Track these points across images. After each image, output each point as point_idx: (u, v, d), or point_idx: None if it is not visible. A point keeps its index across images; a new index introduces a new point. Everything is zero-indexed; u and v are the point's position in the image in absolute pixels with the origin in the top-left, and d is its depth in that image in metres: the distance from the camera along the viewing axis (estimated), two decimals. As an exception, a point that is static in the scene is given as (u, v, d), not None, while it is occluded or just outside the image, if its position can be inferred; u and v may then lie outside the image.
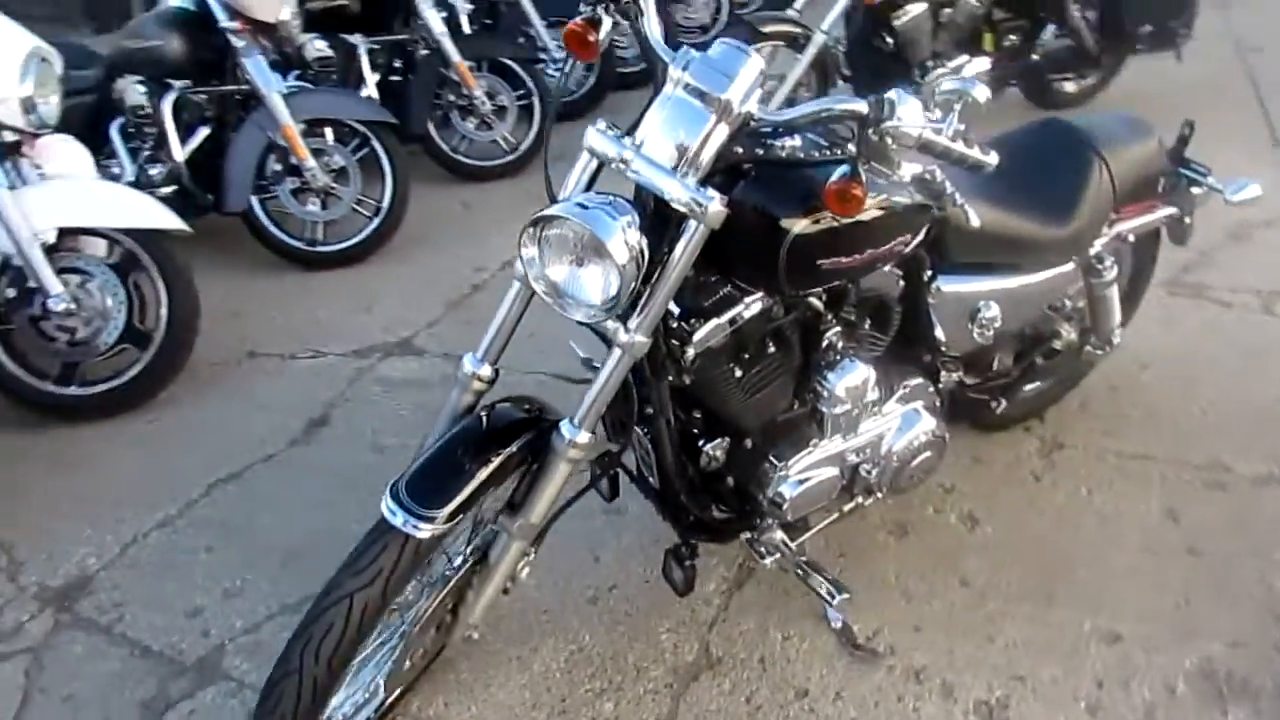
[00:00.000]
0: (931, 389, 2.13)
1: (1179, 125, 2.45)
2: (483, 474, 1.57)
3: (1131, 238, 2.35)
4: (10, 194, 2.82)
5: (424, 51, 4.68)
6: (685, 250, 1.53)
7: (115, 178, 3.99)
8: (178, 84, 3.94)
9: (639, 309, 1.57)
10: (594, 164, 1.61)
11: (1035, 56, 4.83)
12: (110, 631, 2.23)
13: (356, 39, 4.62)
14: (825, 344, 1.86)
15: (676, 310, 1.73)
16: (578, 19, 1.65)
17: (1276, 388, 2.83)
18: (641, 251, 1.49)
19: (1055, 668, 2.00)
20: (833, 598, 1.98)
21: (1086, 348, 2.48)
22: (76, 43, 4.30)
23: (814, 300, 1.83)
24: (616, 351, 1.60)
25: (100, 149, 4.03)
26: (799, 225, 1.58)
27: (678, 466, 1.87)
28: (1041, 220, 2.08)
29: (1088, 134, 2.20)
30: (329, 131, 4.04)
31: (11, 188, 2.88)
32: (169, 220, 3.03)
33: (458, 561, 1.78)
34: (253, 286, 3.84)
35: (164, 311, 3.05)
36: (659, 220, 1.54)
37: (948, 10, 4.47)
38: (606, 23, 1.67)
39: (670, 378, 1.77)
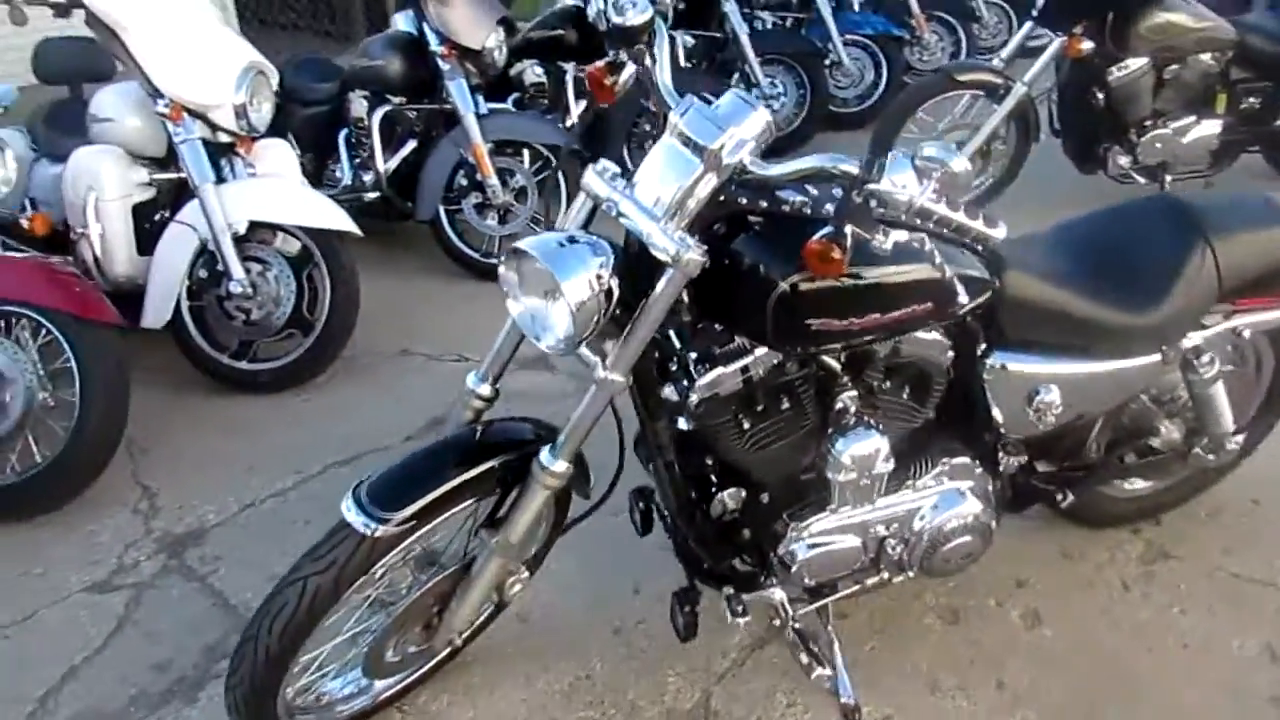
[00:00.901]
0: (981, 470, 2.00)
1: None
2: (448, 485, 1.66)
3: (1248, 334, 2.09)
4: (215, 188, 3.22)
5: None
6: (661, 295, 1.55)
7: (337, 181, 4.47)
8: (395, 100, 4.34)
9: (617, 347, 1.60)
10: (590, 203, 1.66)
11: (1280, 123, 4.35)
12: (203, 581, 2.50)
13: (569, 67, 4.88)
14: (839, 407, 1.80)
15: (693, 355, 1.74)
16: (599, 63, 1.71)
17: None
18: (610, 292, 1.52)
19: (1068, 794, 1.83)
20: (810, 672, 1.90)
21: (1195, 451, 2.23)
22: (323, 58, 4.82)
23: (830, 360, 1.78)
24: (593, 387, 1.64)
25: (331, 154, 4.53)
26: (786, 282, 1.56)
27: (683, 510, 1.87)
28: (1120, 304, 1.91)
29: (1197, 215, 1.98)
30: (526, 153, 4.28)
31: (220, 182, 3.30)
32: (342, 222, 3.34)
33: (448, 566, 1.87)
34: (426, 290, 4.14)
35: (326, 304, 3.37)
36: (646, 264, 1.57)
37: (1174, 66, 4.11)
38: (629, 68, 1.71)
39: (675, 420, 1.80)
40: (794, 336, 1.63)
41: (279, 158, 3.67)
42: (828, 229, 1.45)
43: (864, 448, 1.78)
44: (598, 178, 1.61)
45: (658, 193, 1.55)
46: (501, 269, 1.58)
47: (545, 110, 4.87)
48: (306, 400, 3.38)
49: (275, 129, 4.39)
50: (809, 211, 1.56)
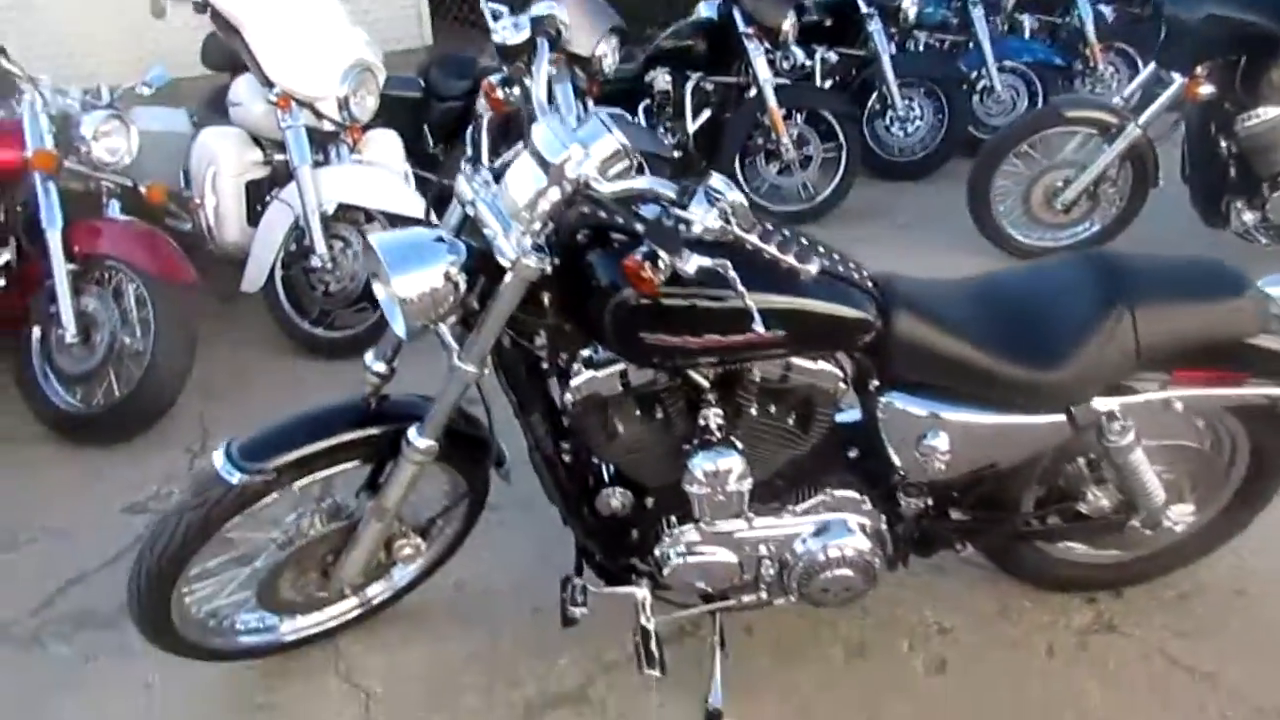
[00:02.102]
0: (872, 506, 2.00)
1: None
2: (319, 446, 1.86)
3: (1180, 406, 1.94)
4: (312, 171, 3.58)
5: (747, 95, 4.94)
6: (503, 296, 1.67)
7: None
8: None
9: (470, 339, 1.74)
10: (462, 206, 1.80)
11: None
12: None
13: (694, 76, 5.02)
14: (702, 423, 1.85)
15: (581, 356, 1.84)
16: (492, 78, 1.85)
17: None
18: (456, 287, 1.66)
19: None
20: (641, 670, 1.95)
21: (1132, 523, 2.11)
22: (464, 57, 5.15)
23: (696, 376, 1.83)
24: (448, 374, 1.78)
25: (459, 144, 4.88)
26: (617, 296, 1.65)
27: (570, 505, 1.99)
28: (1020, 358, 1.84)
29: (1123, 276, 1.87)
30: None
31: (321, 164, 3.66)
32: (415, 209, 3.61)
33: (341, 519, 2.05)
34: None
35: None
36: (497, 265, 1.69)
37: (1316, 118, 3.75)
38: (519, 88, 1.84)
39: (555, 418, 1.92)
40: (633, 349, 1.71)
41: (384, 147, 4.00)
42: (642, 248, 1.54)
43: (720, 465, 1.83)
44: (465, 182, 1.75)
45: (512, 201, 1.67)
46: (362, 257, 1.75)
47: (671, 116, 5.05)
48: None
49: (416, 119, 4.83)
50: (638, 229, 1.63)
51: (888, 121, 5.57)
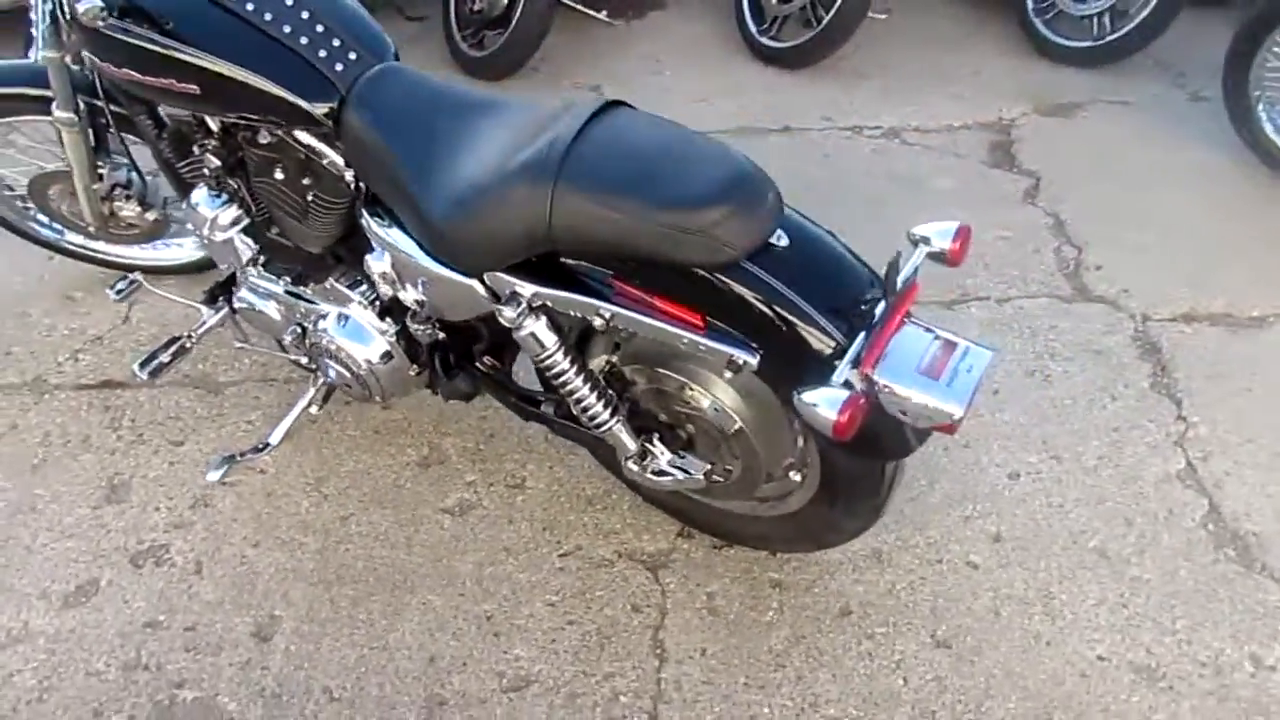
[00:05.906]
0: (372, 313, 1.89)
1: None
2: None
3: (601, 321, 1.48)
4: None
5: None
6: None
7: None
8: None
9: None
10: None
11: None
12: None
13: None
14: (197, 157, 1.88)
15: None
16: None
17: None
18: None
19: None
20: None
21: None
22: None
23: (205, 116, 1.83)
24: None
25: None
26: None
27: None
28: (436, 197, 1.55)
29: (583, 139, 1.40)
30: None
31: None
32: None
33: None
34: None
35: (519, 14, 3.82)
36: None
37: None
38: None
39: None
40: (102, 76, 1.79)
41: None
42: None
43: (202, 207, 1.89)
44: None
45: None
46: None
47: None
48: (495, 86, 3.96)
49: None
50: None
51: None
